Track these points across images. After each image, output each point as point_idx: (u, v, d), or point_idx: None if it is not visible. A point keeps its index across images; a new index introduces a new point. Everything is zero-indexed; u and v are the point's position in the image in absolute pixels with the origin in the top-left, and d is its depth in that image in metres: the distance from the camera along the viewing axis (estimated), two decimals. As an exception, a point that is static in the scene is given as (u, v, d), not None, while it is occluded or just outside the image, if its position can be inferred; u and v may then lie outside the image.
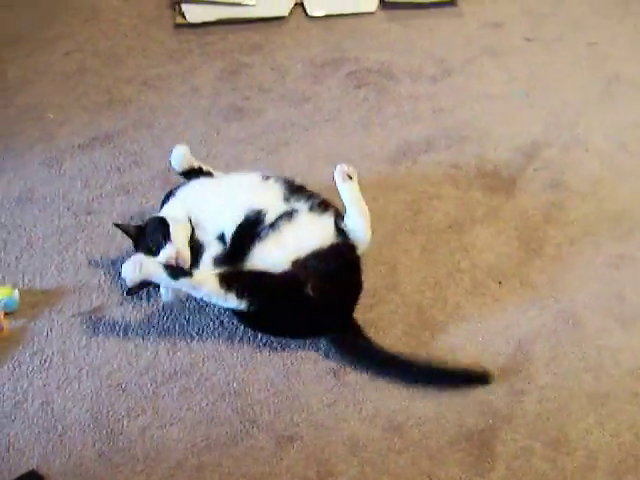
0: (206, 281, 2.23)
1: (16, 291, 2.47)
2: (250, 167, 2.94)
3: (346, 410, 2.21)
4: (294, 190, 2.47)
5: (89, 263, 2.61)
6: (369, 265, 2.57)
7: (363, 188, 2.76)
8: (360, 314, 2.43)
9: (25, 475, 2.07)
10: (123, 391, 2.26)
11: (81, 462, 2.10)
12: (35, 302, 2.49)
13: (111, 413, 2.21)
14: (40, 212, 2.79)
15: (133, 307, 2.47)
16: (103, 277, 2.57)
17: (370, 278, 2.53)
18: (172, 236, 2.36)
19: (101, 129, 3.17)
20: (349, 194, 2.42)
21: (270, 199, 2.43)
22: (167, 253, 2.33)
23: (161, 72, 3.49)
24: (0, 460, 2.10)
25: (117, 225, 2.55)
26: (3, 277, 2.56)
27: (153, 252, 2.36)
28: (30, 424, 2.18)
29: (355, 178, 2.44)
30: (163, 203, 2.60)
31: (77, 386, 2.27)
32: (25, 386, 2.27)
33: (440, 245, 2.68)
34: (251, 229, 2.37)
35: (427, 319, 2.44)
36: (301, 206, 2.41)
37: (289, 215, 2.37)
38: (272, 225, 2.35)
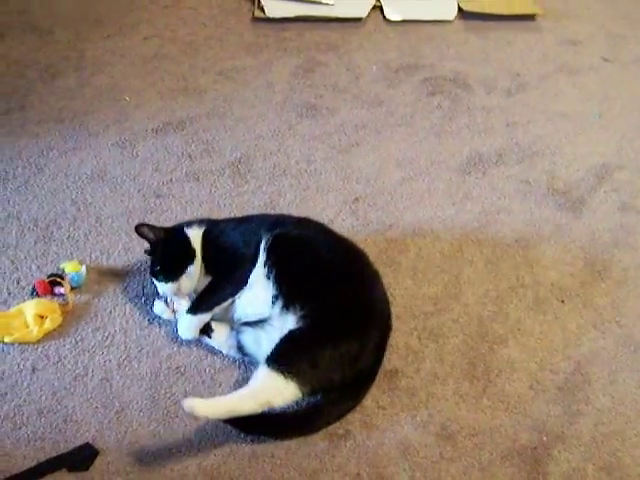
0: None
1: (83, 267, 2.53)
2: (320, 165, 3.00)
3: (400, 414, 2.23)
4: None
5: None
6: (433, 272, 2.60)
7: (432, 195, 2.81)
8: (421, 321, 2.46)
9: (80, 447, 2.12)
10: (182, 374, 2.30)
11: (136, 440, 2.14)
12: (101, 279, 2.55)
13: (169, 395, 2.25)
14: (111, 192, 2.85)
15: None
16: (169, 260, 2.62)
17: (433, 285, 2.57)
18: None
19: (175, 115, 3.24)
20: None
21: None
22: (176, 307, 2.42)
23: (237, 64, 3.55)
24: (57, 431, 2.15)
25: (142, 225, 2.47)
26: (71, 252, 2.62)
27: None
28: (89, 398, 2.23)
29: None
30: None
31: (137, 365, 2.32)
32: (86, 361, 2.32)
33: (505, 259, 2.69)
34: None
35: (487, 331, 2.45)
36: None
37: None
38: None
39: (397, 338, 2.37)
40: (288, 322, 2.23)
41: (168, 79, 3.44)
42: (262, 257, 2.33)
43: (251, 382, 2.14)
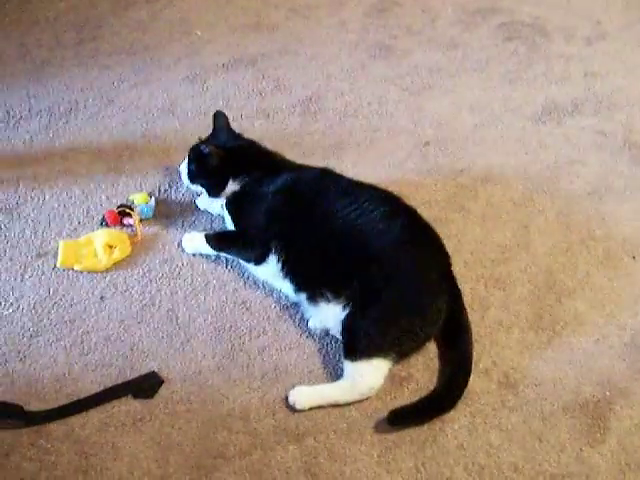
0: None
1: (152, 199, 2.59)
2: (392, 107, 2.99)
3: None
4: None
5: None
6: (502, 221, 2.60)
7: (505, 142, 2.79)
8: (488, 268, 2.47)
9: (146, 375, 2.19)
10: (247, 309, 2.35)
11: (200, 371, 2.20)
12: (169, 212, 2.61)
13: (233, 329, 2.30)
14: (180, 126, 2.90)
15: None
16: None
17: (502, 234, 2.57)
18: None
19: (246, 51, 3.26)
20: None
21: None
22: None
23: (310, 1, 3.55)
24: (123, 358, 2.23)
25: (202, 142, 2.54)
26: (140, 184, 2.68)
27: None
28: (155, 328, 2.30)
29: None
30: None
31: (203, 298, 2.38)
32: (153, 292, 2.39)
33: (577, 211, 2.67)
34: None
35: (555, 283, 2.45)
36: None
37: None
38: None
39: (463, 285, 2.37)
40: (326, 308, 2.26)
41: (240, 14, 3.46)
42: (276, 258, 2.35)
43: (344, 378, 2.17)
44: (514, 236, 2.58)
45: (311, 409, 2.13)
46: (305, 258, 2.31)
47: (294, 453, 2.05)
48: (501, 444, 2.08)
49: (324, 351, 2.26)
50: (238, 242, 2.45)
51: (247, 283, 2.41)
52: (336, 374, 2.20)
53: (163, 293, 2.38)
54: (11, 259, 2.45)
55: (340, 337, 2.24)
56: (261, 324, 2.32)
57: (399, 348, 2.19)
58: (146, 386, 2.16)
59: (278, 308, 2.36)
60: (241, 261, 2.44)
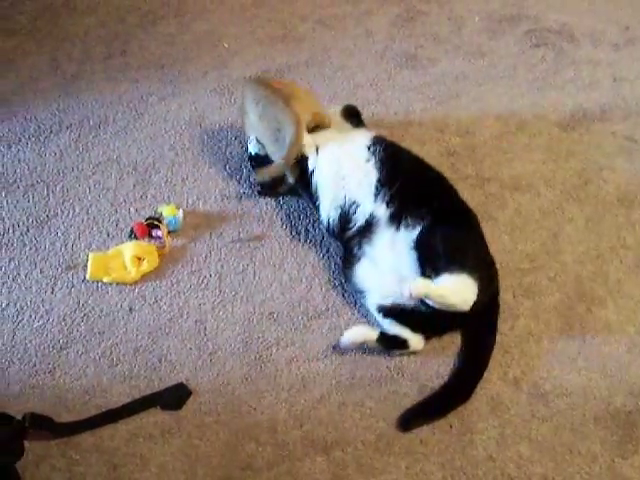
0: None
1: (180, 211, 2.58)
2: (418, 116, 2.97)
3: (492, 370, 2.22)
4: (387, 179, 2.43)
5: (252, 193, 2.69)
6: (530, 229, 2.57)
7: (533, 150, 2.75)
8: (517, 278, 2.43)
9: (174, 387, 2.18)
10: (274, 320, 2.34)
11: (228, 382, 2.19)
12: (197, 224, 2.59)
13: (261, 340, 2.29)
14: (208, 138, 2.89)
15: (291, 240, 2.55)
16: (265, 207, 2.65)
17: (531, 242, 2.54)
18: None
19: (273, 63, 3.24)
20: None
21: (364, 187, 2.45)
22: None
23: (337, 12, 3.53)
24: (152, 370, 2.22)
25: None
26: (169, 197, 2.67)
27: None
28: (183, 339, 2.29)
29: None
30: None
31: (230, 309, 2.37)
32: (181, 303, 2.38)
33: (607, 218, 2.63)
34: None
35: (585, 291, 2.41)
36: (382, 211, 2.39)
37: (369, 229, 2.39)
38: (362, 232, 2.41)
39: (492, 294, 2.35)
40: (402, 234, 2.31)
41: (267, 26, 3.44)
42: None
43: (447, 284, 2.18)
44: (543, 244, 2.54)
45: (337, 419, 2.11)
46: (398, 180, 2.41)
47: (322, 465, 2.03)
48: (531, 455, 2.05)
49: (352, 362, 2.24)
50: None
51: (275, 294, 2.40)
52: (363, 385, 2.19)
53: (191, 304, 2.38)
54: (41, 271, 2.45)
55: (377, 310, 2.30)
56: (288, 335, 2.31)
57: (479, 274, 2.19)
58: (174, 398, 2.16)
59: (305, 319, 2.34)
60: None
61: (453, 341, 2.29)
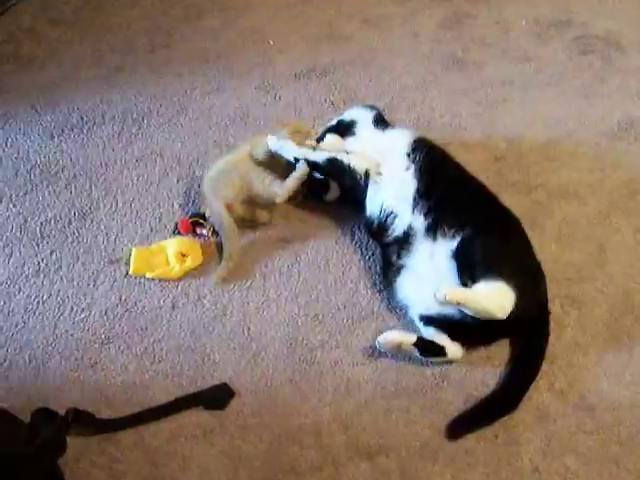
0: None
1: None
2: (464, 120, 2.94)
3: (539, 380, 2.18)
4: (425, 190, 2.38)
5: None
6: (577, 239, 2.53)
7: (579, 158, 2.73)
8: (564, 288, 2.39)
9: (218, 387, 2.16)
10: (319, 322, 2.32)
11: (271, 384, 2.18)
12: (243, 222, 2.55)
13: (305, 342, 2.27)
14: (252, 134, 2.85)
15: (336, 241, 2.52)
16: (311, 208, 2.63)
17: (577, 252, 2.50)
18: None
19: (319, 61, 3.22)
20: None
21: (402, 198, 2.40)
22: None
23: (383, 12, 3.50)
24: (195, 368, 2.21)
25: None
26: (212, 193, 2.65)
27: None
28: (227, 339, 2.27)
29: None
30: None
31: (275, 310, 2.34)
32: (225, 302, 2.36)
33: (655, 230, 2.60)
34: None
35: (633, 304, 2.37)
36: (420, 222, 2.33)
37: (407, 239, 2.34)
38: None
39: (539, 304, 2.32)
40: (441, 244, 2.27)
41: (312, 25, 3.42)
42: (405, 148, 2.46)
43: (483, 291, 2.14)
44: (590, 255, 2.50)
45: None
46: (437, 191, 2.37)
47: (365, 470, 2.01)
48: (577, 469, 2.02)
49: (397, 368, 2.22)
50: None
51: (320, 296, 2.38)
52: (408, 391, 2.17)
53: (235, 304, 2.36)
54: (84, 265, 2.44)
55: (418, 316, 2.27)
56: (333, 338, 2.28)
57: (517, 280, 2.15)
58: (217, 397, 2.14)
59: (350, 322, 2.32)
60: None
61: (500, 350, 2.26)
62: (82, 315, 2.31)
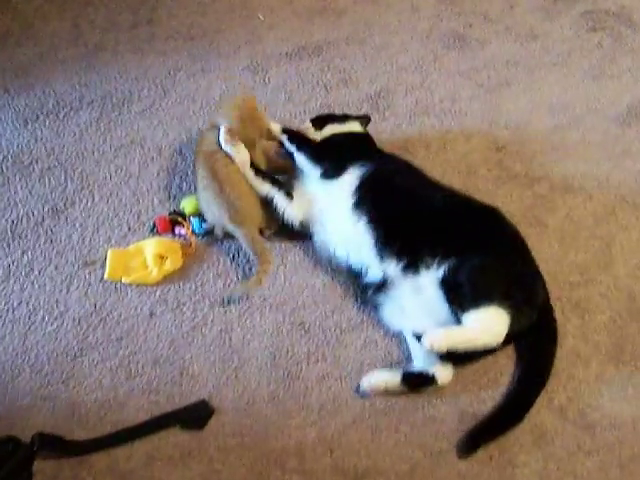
0: None
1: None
2: (465, 104, 2.82)
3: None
4: (386, 237, 2.23)
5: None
6: (582, 237, 2.44)
7: (586, 147, 2.66)
8: (566, 291, 2.31)
9: (196, 404, 2.09)
10: (305, 332, 2.23)
11: (253, 401, 2.10)
12: (226, 220, 2.47)
13: (290, 354, 2.19)
14: (240, 121, 2.75)
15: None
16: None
17: (582, 252, 2.41)
18: None
19: (311, 39, 3.09)
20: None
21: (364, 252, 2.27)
22: None
23: (380, -17, 3.36)
24: (172, 383, 2.13)
25: None
26: (195, 186, 2.50)
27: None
28: (207, 351, 2.19)
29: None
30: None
31: (258, 318, 2.26)
32: (206, 309, 2.27)
33: (665, 227, 2.50)
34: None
35: (639, 310, 2.29)
36: (393, 268, 2.20)
37: (385, 284, 2.22)
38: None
39: (539, 310, 2.23)
40: (425, 276, 2.15)
41: (305, -2, 3.29)
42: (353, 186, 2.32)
43: (473, 323, 2.04)
44: (595, 255, 2.41)
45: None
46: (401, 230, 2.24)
47: (352, 496, 1.95)
48: (576, 493, 1.96)
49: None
50: (318, 147, 2.47)
51: (307, 302, 2.29)
52: (398, 408, 2.09)
53: (216, 311, 2.27)
54: (57, 268, 2.35)
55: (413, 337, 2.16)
56: (320, 349, 2.20)
57: (511, 300, 2.06)
58: (196, 416, 2.07)
59: (339, 331, 2.24)
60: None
61: (496, 362, 2.18)
62: (54, 325, 2.23)
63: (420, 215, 2.24)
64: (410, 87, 2.88)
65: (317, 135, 2.54)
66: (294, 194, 2.40)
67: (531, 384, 2.13)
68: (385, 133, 2.72)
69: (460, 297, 2.07)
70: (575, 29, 3.17)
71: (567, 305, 2.29)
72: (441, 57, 3.04)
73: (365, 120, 2.63)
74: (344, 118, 2.60)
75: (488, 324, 2.03)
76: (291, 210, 2.37)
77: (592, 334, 2.23)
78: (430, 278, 2.14)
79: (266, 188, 2.38)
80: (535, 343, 2.17)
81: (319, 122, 2.57)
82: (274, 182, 2.39)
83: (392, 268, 2.19)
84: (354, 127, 2.57)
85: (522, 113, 2.82)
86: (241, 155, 2.37)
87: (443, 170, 2.59)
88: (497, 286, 2.09)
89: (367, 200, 2.27)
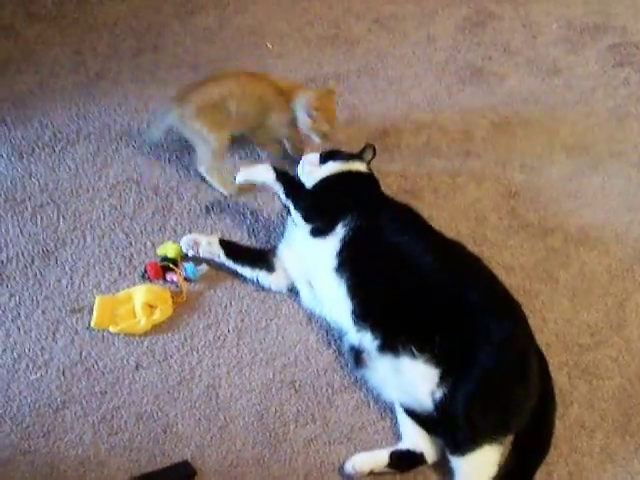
0: None
1: (204, 265, 2.47)
2: (478, 145, 2.82)
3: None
4: (361, 310, 2.21)
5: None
6: (594, 295, 2.43)
7: (606, 196, 2.69)
8: (575, 355, 2.31)
9: (177, 465, 2.09)
10: (295, 391, 2.24)
11: (237, 463, 2.10)
12: (219, 267, 2.48)
13: (278, 414, 2.19)
14: (240, 159, 2.76)
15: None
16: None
17: (594, 311, 2.41)
18: None
19: (321, 70, 3.11)
20: None
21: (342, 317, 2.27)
22: None
23: (397, 11, 3.38)
24: (155, 441, 2.14)
25: None
26: (190, 229, 2.56)
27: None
28: (192, 407, 2.20)
29: None
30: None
31: (248, 374, 2.27)
32: (194, 363, 2.29)
33: (684, 287, 2.49)
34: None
35: (650, 377, 2.29)
36: (368, 342, 2.18)
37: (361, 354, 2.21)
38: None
39: (544, 374, 2.23)
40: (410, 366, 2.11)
41: (317, 24, 3.31)
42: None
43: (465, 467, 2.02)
44: (607, 315, 2.41)
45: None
46: (382, 291, 2.22)
47: None
48: None
49: (377, 447, 2.13)
50: (307, 194, 2.47)
51: (299, 359, 2.30)
52: (388, 476, 2.09)
53: (204, 365, 2.28)
54: (44, 313, 2.37)
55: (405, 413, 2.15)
56: (310, 410, 2.21)
57: (507, 430, 2.06)
58: (176, 478, 2.07)
59: (330, 391, 2.24)
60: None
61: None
62: (38, 374, 2.24)
63: (402, 290, 2.20)
64: (421, 125, 2.88)
65: (317, 170, 2.55)
66: (275, 261, 2.43)
67: (529, 456, 2.10)
68: (392, 176, 2.73)
69: (455, 437, 2.03)
70: (601, 64, 3.17)
71: (574, 370, 2.28)
72: (456, 93, 3.05)
73: (370, 151, 2.60)
74: (348, 157, 2.58)
75: (481, 471, 2.01)
76: (276, 282, 2.43)
77: (599, 402, 2.23)
78: (412, 365, 2.09)
79: (247, 272, 2.43)
80: (534, 411, 2.12)
81: (325, 157, 2.58)
82: (251, 262, 2.44)
83: (367, 341, 2.17)
84: (357, 166, 2.56)
85: (539, 155, 2.83)
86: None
87: (451, 217, 2.60)
88: (497, 420, 2.04)
89: (348, 264, 2.26)
